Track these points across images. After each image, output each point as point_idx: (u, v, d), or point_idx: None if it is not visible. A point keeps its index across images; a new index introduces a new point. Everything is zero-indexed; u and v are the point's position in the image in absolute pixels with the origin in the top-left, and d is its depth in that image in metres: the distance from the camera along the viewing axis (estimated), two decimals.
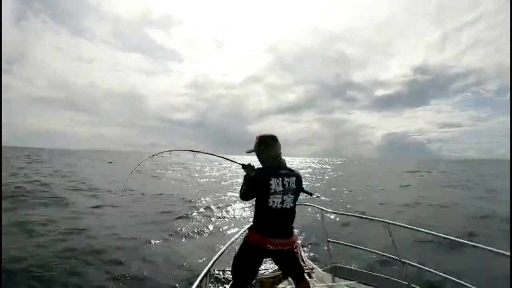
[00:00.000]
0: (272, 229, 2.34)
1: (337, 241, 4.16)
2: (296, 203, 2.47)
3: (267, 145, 2.49)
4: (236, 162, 2.97)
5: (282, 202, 2.34)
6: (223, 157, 3.59)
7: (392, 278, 3.39)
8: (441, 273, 3.01)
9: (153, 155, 3.75)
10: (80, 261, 5.93)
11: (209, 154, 3.59)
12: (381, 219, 3.37)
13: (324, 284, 3.43)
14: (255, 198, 2.44)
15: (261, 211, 2.39)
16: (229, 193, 16.35)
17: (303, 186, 2.57)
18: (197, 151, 3.30)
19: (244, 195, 2.44)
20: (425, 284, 3.21)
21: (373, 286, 3.42)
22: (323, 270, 3.87)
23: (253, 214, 2.47)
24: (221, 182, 23.72)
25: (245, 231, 2.66)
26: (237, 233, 3.07)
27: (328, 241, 3.72)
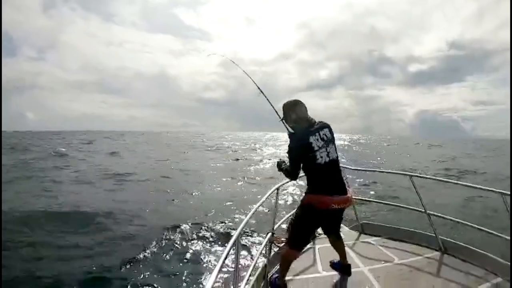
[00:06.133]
0: (329, 187, 2.34)
1: (361, 198, 4.25)
2: None
3: (289, 109, 2.50)
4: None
5: (328, 155, 2.35)
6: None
7: (419, 231, 3.46)
8: (466, 222, 3.08)
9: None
10: None
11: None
12: (404, 172, 3.39)
13: (352, 241, 3.57)
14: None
15: (312, 172, 2.38)
16: None
17: None
18: None
19: (291, 170, 2.44)
20: (452, 234, 3.29)
21: (400, 240, 3.50)
22: (351, 229, 4.00)
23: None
24: None
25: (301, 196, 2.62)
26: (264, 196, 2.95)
27: (353, 199, 3.77)
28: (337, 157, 2.44)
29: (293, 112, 2.47)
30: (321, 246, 3.45)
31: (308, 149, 2.31)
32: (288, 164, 2.50)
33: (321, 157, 2.32)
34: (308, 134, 2.34)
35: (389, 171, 4.38)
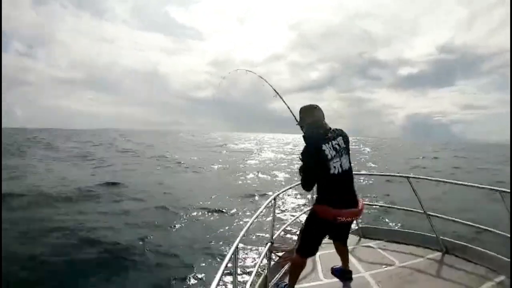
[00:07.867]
0: (340, 199, 2.30)
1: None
2: None
3: (305, 113, 2.45)
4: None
5: (341, 165, 2.29)
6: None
7: (420, 233, 3.42)
8: (466, 222, 3.07)
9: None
10: None
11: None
12: (401, 174, 3.39)
13: (352, 246, 3.51)
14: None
15: (324, 182, 2.31)
16: None
17: None
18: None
19: (305, 180, 2.36)
20: (453, 234, 3.27)
21: (401, 243, 3.45)
22: (350, 233, 3.96)
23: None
24: None
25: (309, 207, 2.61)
26: (262, 205, 2.91)
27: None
28: (350, 167, 2.37)
29: (310, 116, 2.41)
30: (322, 253, 3.40)
31: (321, 157, 2.23)
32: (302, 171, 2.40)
33: (334, 167, 2.25)
34: (321, 142, 2.27)
35: (386, 174, 4.38)
